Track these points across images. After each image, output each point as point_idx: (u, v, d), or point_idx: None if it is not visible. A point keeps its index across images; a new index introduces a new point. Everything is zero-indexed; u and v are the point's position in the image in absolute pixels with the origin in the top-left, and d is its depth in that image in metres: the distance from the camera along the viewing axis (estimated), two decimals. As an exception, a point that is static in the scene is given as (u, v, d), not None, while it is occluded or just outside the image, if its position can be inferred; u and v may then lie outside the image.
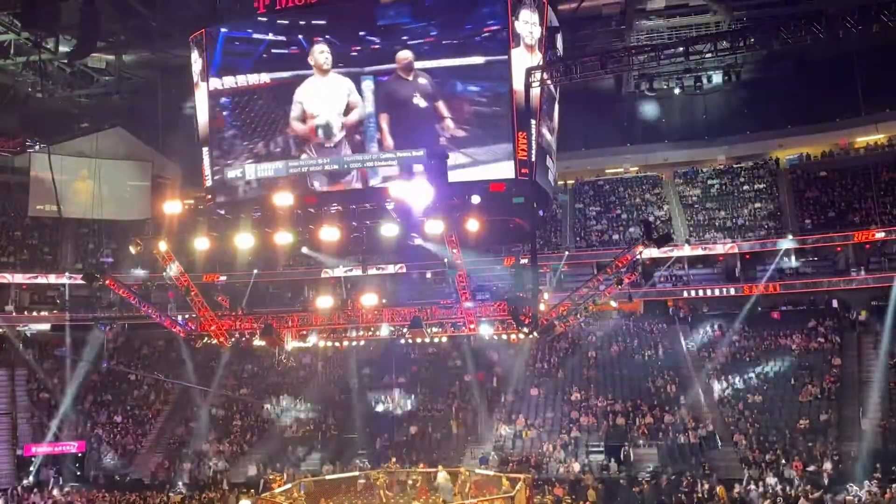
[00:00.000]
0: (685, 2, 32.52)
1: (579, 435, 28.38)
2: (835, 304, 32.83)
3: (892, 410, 26.28)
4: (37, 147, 36.53)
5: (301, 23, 25.56)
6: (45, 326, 37.88)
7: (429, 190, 20.26)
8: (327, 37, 25.26)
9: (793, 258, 34.21)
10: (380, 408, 32.43)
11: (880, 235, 32.02)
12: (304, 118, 25.75)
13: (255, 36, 26.20)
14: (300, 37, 25.66)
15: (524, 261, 32.21)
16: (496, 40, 23.46)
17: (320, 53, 25.47)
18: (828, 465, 23.78)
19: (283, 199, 22.92)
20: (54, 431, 31.95)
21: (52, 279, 37.07)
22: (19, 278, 36.60)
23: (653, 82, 37.86)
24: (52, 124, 36.46)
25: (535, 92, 22.95)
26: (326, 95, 25.57)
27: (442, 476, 21.54)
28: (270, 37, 26.01)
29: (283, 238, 23.41)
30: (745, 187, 38.43)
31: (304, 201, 24.82)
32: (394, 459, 26.06)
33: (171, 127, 35.39)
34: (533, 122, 23.16)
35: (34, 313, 37.42)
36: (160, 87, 34.23)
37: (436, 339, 25.35)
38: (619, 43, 33.34)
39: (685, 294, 34.94)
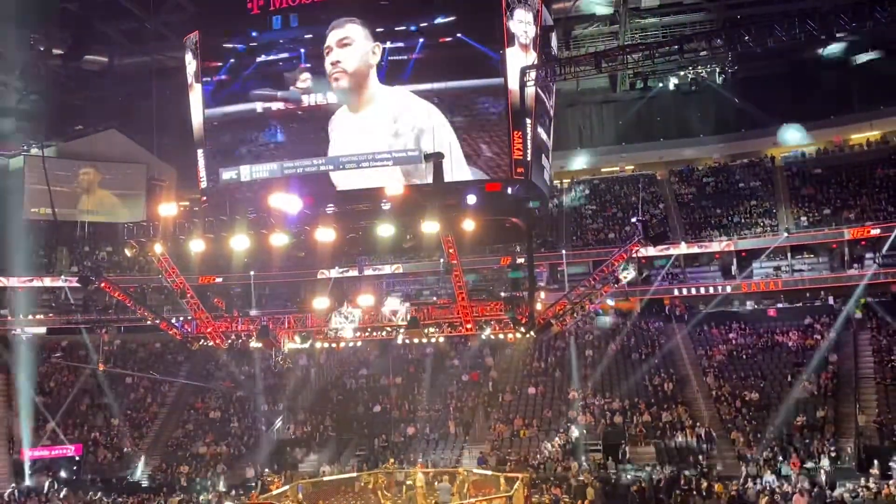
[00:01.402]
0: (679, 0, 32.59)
1: (577, 434, 28.37)
2: (831, 300, 32.91)
3: (889, 407, 26.35)
4: (31, 150, 36.45)
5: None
6: (42, 329, 37.75)
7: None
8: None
9: (788, 255, 34.32)
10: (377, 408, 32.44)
11: (875, 232, 32.11)
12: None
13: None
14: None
15: (520, 260, 32.26)
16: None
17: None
18: (825, 462, 23.81)
19: (290, 204, 22.62)
20: (51, 435, 31.90)
21: (48, 282, 36.95)
22: (14, 281, 36.47)
23: (647, 81, 37.90)
24: (46, 127, 36.37)
25: (530, 91, 22.92)
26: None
27: (419, 477, 21.42)
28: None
29: (279, 239, 23.33)
30: (741, 185, 38.50)
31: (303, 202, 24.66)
32: (392, 460, 26.03)
33: (165, 129, 35.29)
34: (528, 121, 23.12)
35: (30, 316, 37.29)
36: (155, 89, 34.17)
37: (433, 339, 25.34)
38: (614, 41, 33.43)
39: (676, 292, 35.05)
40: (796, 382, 28.56)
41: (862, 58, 35.31)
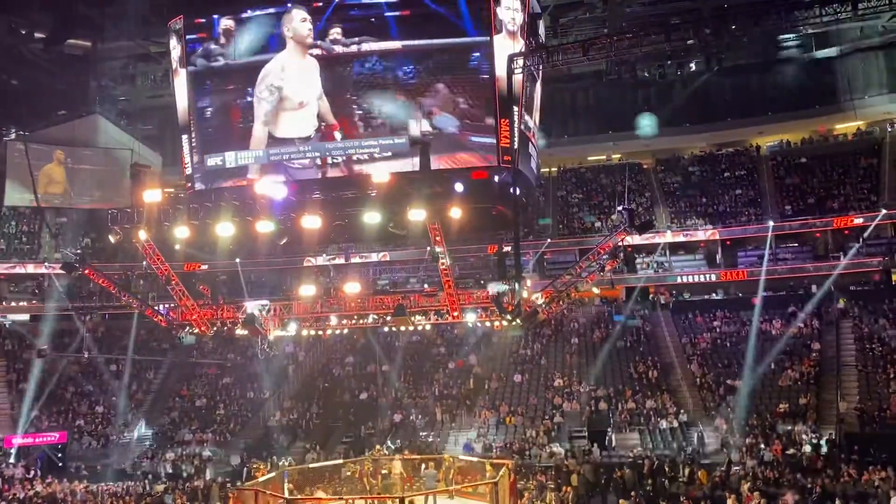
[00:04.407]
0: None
1: (562, 421, 28.54)
2: (814, 289, 33.18)
3: (870, 394, 26.67)
4: (13, 135, 35.98)
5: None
6: (24, 317, 37.42)
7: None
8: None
9: (773, 244, 34.56)
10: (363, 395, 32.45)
11: (859, 221, 32.39)
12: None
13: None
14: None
15: (507, 248, 32.25)
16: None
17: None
18: (807, 448, 24.09)
19: (274, 190, 22.50)
20: (34, 422, 31.71)
21: (31, 269, 36.60)
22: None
23: (635, 69, 37.81)
24: (28, 112, 35.89)
25: (517, 79, 22.84)
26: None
27: (395, 465, 21.42)
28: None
29: (265, 226, 23.21)
30: (726, 174, 38.66)
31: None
32: (378, 447, 26.06)
33: (149, 114, 34.99)
34: (515, 109, 23.08)
35: (12, 303, 36.96)
36: (139, 74, 33.86)
37: (419, 327, 25.36)
38: (602, 29, 33.37)
39: (666, 280, 35.25)
40: (779, 370, 28.91)
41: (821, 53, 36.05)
